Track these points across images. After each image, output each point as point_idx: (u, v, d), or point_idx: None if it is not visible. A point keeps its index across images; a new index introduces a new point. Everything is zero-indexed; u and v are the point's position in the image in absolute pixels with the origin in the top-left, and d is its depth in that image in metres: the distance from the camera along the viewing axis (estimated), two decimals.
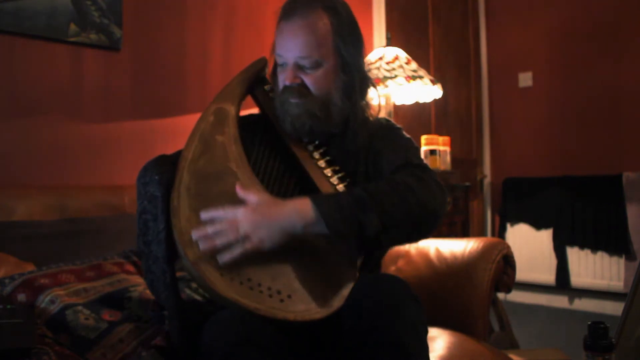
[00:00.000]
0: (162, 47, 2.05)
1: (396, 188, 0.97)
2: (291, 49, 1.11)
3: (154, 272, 1.01)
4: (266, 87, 1.22)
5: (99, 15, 1.85)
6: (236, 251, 0.93)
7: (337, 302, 0.95)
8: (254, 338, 0.88)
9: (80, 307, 1.16)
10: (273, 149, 1.15)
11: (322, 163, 1.13)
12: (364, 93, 1.19)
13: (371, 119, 1.21)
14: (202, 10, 2.18)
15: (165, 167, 1.02)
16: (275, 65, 1.19)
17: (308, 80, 1.12)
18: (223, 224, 0.94)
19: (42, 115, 1.75)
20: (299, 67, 1.12)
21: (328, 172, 1.12)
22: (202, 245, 0.93)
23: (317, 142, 1.15)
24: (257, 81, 1.20)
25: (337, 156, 1.16)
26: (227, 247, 0.93)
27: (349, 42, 1.14)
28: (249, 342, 0.88)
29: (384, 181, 1.00)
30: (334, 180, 1.11)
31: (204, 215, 0.96)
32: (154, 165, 1.03)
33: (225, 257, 0.93)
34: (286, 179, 1.13)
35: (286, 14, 1.12)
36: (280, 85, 1.14)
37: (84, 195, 1.62)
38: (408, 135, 1.20)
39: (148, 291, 1.27)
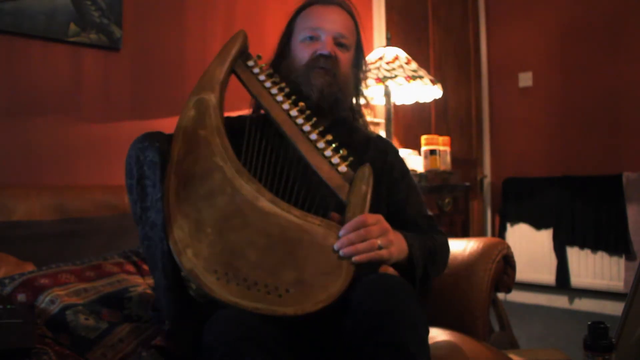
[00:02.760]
0: (162, 47, 2.05)
1: (442, 248, 1.21)
2: (334, 23, 1.19)
3: (151, 238, 0.99)
4: (249, 63, 1.14)
5: (99, 15, 1.85)
6: (371, 256, 0.96)
7: (336, 290, 0.93)
8: (254, 337, 0.88)
9: (80, 307, 1.16)
10: (263, 136, 1.10)
11: (321, 143, 1.06)
12: (361, 93, 1.31)
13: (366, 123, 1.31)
14: (202, 10, 2.18)
15: (163, 138, 1.03)
16: (282, 50, 1.24)
17: (340, 58, 1.19)
18: (369, 231, 0.97)
19: (42, 115, 1.75)
20: (335, 43, 1.19)
21: (328, 151, 1.06)
22: (346, 251, 0.95)
23: (314, 120, 1.08)
24: (237, 58, 1.13)
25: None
26: (366, 251, 0.96)
27: (361, 44, 1.27)
28: (249, 341, 0.87)
29: (435, 239, 1.19)
30: (335, 159, 1.05)
31: (348, 227, 0.97)
32: (152, 135, 1.03)
33: (362, 258, 0.96)
34: (279, 166, 1.08)
35: (321, 1, 1.22)
36: (306, 55, 1.18)
37: (84, 195, 1.62)
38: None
39: (148, 291, 1.27)
